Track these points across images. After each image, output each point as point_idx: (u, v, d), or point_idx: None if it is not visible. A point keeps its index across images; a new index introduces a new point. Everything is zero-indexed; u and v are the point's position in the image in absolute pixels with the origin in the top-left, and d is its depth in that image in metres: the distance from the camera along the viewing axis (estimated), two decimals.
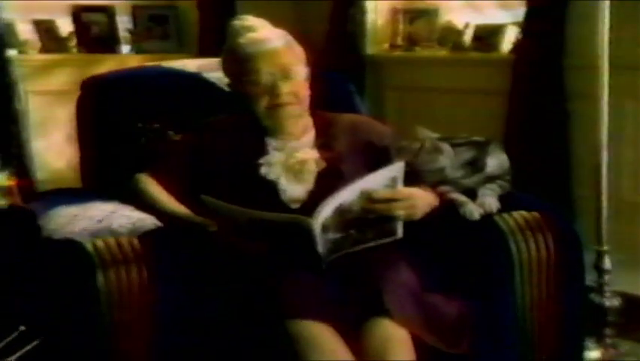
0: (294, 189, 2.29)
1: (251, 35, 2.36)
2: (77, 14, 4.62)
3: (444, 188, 2.28)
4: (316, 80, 2.38)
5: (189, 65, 2.69)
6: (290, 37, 2.40)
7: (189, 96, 2.59)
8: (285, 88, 2.31)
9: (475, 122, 3.78)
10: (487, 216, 2.20)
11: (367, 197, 2.05)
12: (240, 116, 2.41)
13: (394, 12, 4.56)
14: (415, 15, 4.47)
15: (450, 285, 2.13)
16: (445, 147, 2.29)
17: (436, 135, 2.32)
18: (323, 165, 2.33)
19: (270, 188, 2.29)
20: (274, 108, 2.33)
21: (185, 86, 2.62)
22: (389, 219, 2.10)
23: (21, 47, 4.52)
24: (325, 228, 1.99)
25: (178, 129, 2.48)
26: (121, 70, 2.79)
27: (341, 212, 2.02)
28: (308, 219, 1.95)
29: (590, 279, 2.66)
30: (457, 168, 2.28)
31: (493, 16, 4.23)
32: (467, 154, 2.30)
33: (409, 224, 2.12)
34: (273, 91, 2.31)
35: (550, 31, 3.52)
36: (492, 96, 3.82)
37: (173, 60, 2.78)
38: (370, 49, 4.53)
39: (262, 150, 2.35)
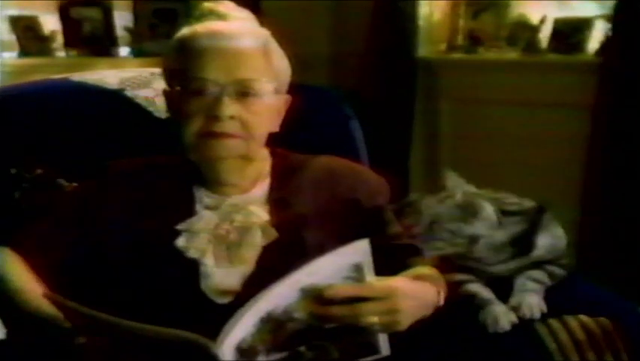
0: (224, 275, 1.63)
1: (213, 25, 1.67)
2: (65, 9, 4.15)
3: (459, 276, 1.67)
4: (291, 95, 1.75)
5: (110, 78, 2.04)
6: (272, 42, 1.72)
7: (99, 126, 1.96)
8: (230, 109, 1.61)
9: (552, 143, 3.45)
10: (526, 324, 1.64)
11: (315, 296, 1.43)
12: (164, 157, 1.77)
13: (454, 5, 4.14)
14: (479, 8, 4.05)
15: None
16: (487, 207, 1.68)
17: (474, 190, 1.73)
18: (273, 234, 1.66)
19: (189, 270, 1.62)
20: (206, 137, 1.63)
21: (95, 110, 1.97)
22: (361, 330, 1.47)
23: None
24: (249, 349, 1.40)
25: (74, 176, 1.85)
26: (7, 87, 2.13)
27: (276, 322, 1.42)
28: (209, 342, 1.34)
29: None
30: (493, 248, 1.68)
31: (578, 8, 3.80)
32: (514, 229, 1.71)
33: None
34: (211, 110, 1.61)
35: None
36: (573, 110, 3.45)
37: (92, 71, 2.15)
38: (423, 50, 4.08)
39: (188, 209, 1.69)
